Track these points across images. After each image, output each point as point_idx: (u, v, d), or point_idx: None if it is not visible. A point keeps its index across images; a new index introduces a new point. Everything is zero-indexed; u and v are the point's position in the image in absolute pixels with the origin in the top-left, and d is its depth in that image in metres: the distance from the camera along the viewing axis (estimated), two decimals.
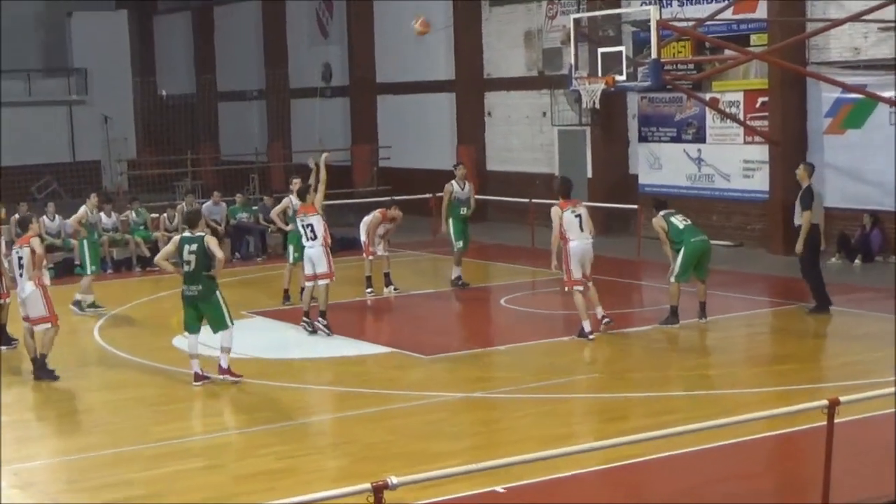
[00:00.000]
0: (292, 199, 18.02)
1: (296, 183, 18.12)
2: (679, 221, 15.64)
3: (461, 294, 19.01)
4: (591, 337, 14.98)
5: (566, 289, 15.18)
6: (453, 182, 19.17)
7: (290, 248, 17.84)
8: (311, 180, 16.43)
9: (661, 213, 15.78)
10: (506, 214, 27.99)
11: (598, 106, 20.73)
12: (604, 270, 21.37)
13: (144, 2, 42.61)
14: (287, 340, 16.06)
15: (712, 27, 22.49)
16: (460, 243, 19.01)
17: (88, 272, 18.02)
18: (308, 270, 15.76)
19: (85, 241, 18.11)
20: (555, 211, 15.16)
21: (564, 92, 25.35)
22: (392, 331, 17.04)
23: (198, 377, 13.21)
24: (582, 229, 15.02)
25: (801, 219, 16.05)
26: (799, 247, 16.10)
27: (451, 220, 19.03)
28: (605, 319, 15.22)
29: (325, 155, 16.34)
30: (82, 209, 18.32)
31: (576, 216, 15.06)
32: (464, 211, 19.08)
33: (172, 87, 39.60)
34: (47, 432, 11.73)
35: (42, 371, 13.73)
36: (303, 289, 17.07)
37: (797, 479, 9.75)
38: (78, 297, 17.99)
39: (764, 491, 9.66)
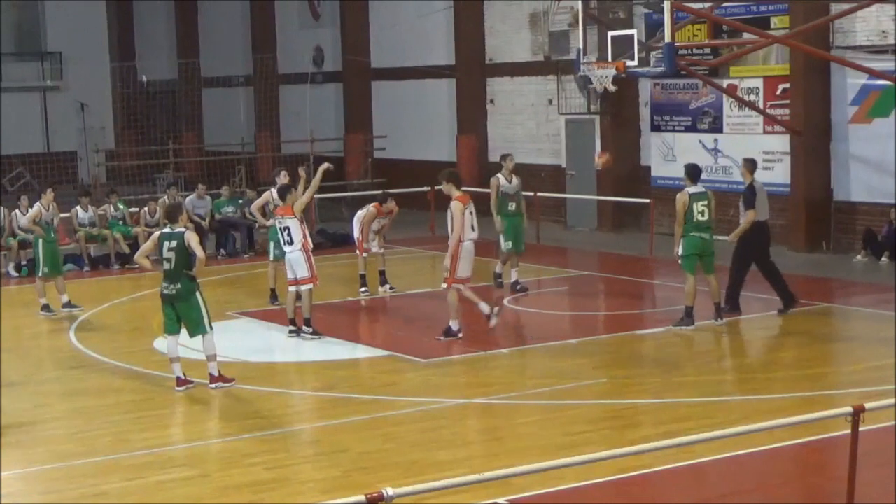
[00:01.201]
0: (273, 193, 17.84)
1: (283, 176, 18.01)
2: (697, 211, 15.66)
3: (461, 294, 18.98)
4: (460, 336, 15.29)
5: (445, 286, 15.33)
6: (499, 175, 18.77)
7: (271, 245, 17.75)
8: (300, 186, 16.38)
9: (690, 191, 15.79)
10: None
11: (610, 89, 20.71)
12: (614, 269, 21.48)
13: None
14: (275, 343, 16.10)
15: (730, 9, 22.50)
16: (509, 244, 18.50)
17: (39, 273, 18.02)
18: (290, 276, 15.78)
19: (40, 241, 18.07)
20: (457, 206, 15.11)
21: (576, 77, 25.35)
22: (387, 333, 17.06)
23: (180, 382, 13.24)
24: (473, 228, 15.23)
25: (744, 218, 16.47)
26: (733, 237, 16.49)
27: (500, 218, 18.54)
28: (494, 313, 15.41)
29: (327, 165, 16.29)
30: (36, 206, 18.36)
31: (471, 213, 15.22)
32: (512, 206, 18.54)
33: (153, 73, 39.60)
34: (20, 441, 11.74)
35: None
36: None
37: (819, 491, 9.78)
38: (42, 301, 18.00)
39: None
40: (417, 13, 30.52)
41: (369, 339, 16.45)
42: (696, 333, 15.62)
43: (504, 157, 19.20)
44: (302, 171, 16.85)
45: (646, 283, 20.20)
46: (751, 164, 16.89)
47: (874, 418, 9.14)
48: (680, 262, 15.89)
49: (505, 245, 18.55)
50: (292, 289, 15.74)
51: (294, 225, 15.50)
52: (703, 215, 15.71)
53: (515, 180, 18.73)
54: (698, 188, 15.93)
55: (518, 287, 18.72)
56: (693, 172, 16.10)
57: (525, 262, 21.68)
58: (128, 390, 13.52)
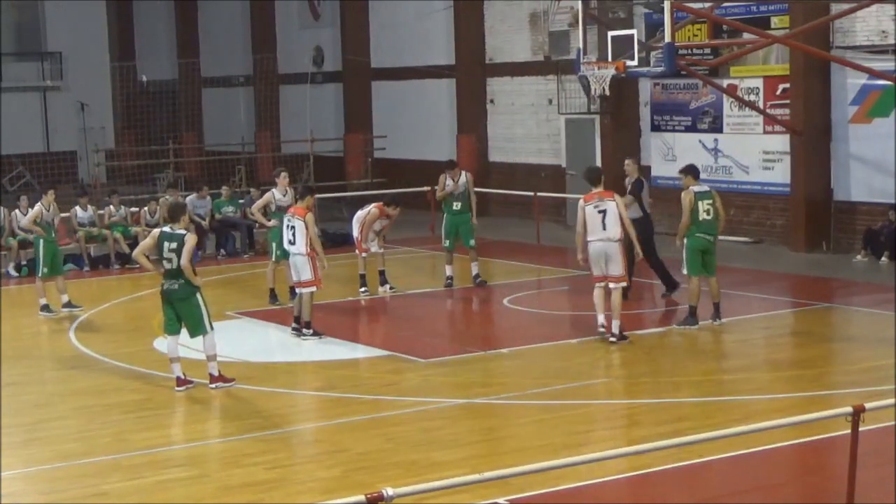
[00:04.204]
0: (275, 193, 18.08)
1: (283, 177, 18.14)
2: (703, 210, 15.71)
3: (461, 294, 19.04)
4: (602, 330, 15.14)
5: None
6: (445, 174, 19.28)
7: (273, 246, 17.84)
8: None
9: (695, 189, 15.86)
10: (509, 209, 28.01)
11: (607, 93, 20.74)
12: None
13: None
14: (275, 343, 16.11)
15: (730, 9, 22.50)
16: (447, 242, 19.08)
17: (40, 274, 18.00)
18: (294, 277, 15.86)
19: (41, 241, 18.07)
20: (581, 204, 15.42)
21: (580, 77, 25.35)
22: (387, 333, 17.07)
23: (180, 382, 13.24)
24: (605, 227, 15.18)
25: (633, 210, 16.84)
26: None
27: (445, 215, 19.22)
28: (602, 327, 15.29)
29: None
30: (37, 207, 18.37)
31: (599, 211, 15.25)
32: (457, 206, 19.01)
33: (153, 73, 39.62)
34: (20, 441, 11.75)
35: None
36: (291, 288, 17.14)
37: (819, 491, 9.77)
38: (42, 301, 18.00)
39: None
40: (417, 13, 30.53)
41: (369, 339, 16.45)
42: (695, 333, 15.62)
43: (447, 164, 19.67)
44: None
45: (645, 283, 20.15)
46: (637, 161, 18.08)
47: (874, 418, 9.15)
48: (685, 271, 15.90)
49: (444, 242, 19.10)
50: (298, 290, 15.79)
51: (300, 228, 15.48)
52: (708, 214, 15.77)
53: (462, 179, 19.09)
54: (702, 187, 16.05)
55: (478, 281, 19.23)
56: (695, 171, 16.23)
57: (526, 263, 21.76)
58: (128, 390, 13.51)
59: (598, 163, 26.09)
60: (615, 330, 14.98)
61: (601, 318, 15.08)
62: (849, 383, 13.09)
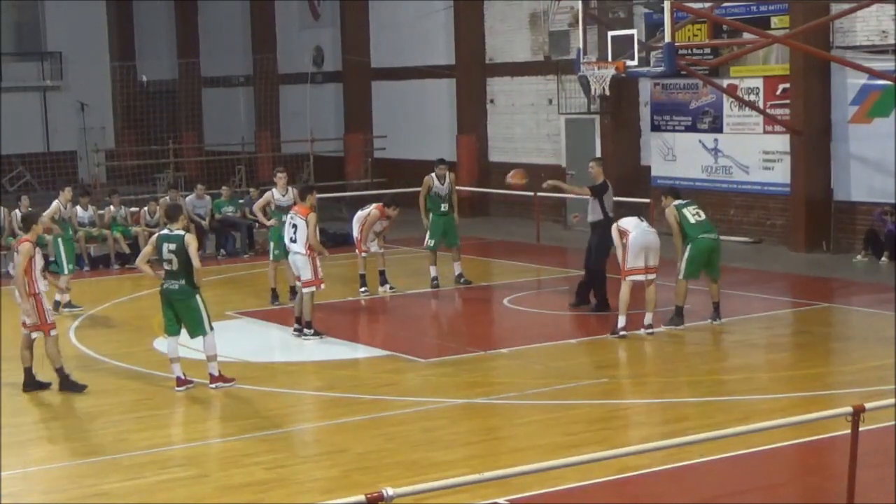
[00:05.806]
0: (274, 193, 18.21)
1: (280, 177, 18.28)
2: (691, 215, 15.75)
3: (461, 294, 19.05)
4: (622, 333, 15.22)
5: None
6: (433, 175, 19.21)
7: (271, 245, 17.91)
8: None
9: (675, 203, 15.91)
10: (509, 209, 28.02)
11: (607, 93, 20.73)
12: (614, 268, 21.42)
13: None
14: (275, 343, 16.12)
15: (730, 9, 22.51)
16: (431, 242, 19.17)
17: (65, 272, 18.03)
18: (295, 273, 15.87)
19: (59, 239, 18.08)
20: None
21: (579, 77, 25.35)
22: (387, 333, 17.07)
23: (180, 382, 13.25)
24: (641, 219, 15.66)
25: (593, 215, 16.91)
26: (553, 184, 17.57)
27: (432, 217, 19.24)
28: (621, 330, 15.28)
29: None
30: (55, 204, 18.37)
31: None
32: (444, 207, 19.11)
33: (153, 73, 39.59)
34: (20, 441, 11.75)
35: (66, 384, 13.48)
36: (292, 287, 17.16)
37: (819, 491, 9.78)
38: (57, 297, 18.01)
39: None
40: (417, 13, 30.53)
41: (369, 339, 16.46)
42: (695, 333, 15.62)
43: (438, 161, 19.55)
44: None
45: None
46: (601, 163, 17.60)
47: (874, 418, 9.16)
48: (680, 276, 15.80)
49: (427, 243, 19.15)
50: (300, 290, 15.77)
51: (302, 227, 15.48)
52: (699, 216, 15.81)
53: (448, 180, 19.18)
54: (681, 201, 16.08)
55: (462, 280, 19.34)
56: (670, 192, 16.37)
57: (526, 263, 21.77)
58: (128, 390, 13.52)
59: None
60: (648, 321, 15.34)
61: (623, 321, 15.21)
62: (849, 383, 13.10)
